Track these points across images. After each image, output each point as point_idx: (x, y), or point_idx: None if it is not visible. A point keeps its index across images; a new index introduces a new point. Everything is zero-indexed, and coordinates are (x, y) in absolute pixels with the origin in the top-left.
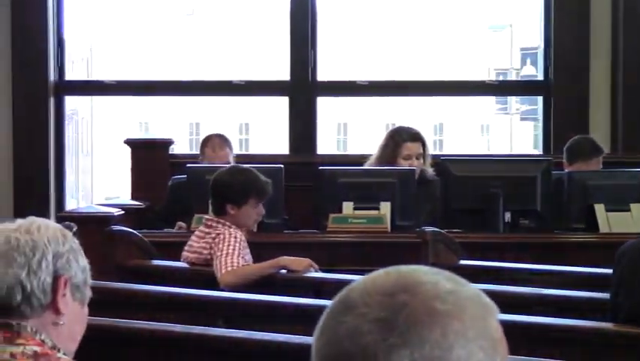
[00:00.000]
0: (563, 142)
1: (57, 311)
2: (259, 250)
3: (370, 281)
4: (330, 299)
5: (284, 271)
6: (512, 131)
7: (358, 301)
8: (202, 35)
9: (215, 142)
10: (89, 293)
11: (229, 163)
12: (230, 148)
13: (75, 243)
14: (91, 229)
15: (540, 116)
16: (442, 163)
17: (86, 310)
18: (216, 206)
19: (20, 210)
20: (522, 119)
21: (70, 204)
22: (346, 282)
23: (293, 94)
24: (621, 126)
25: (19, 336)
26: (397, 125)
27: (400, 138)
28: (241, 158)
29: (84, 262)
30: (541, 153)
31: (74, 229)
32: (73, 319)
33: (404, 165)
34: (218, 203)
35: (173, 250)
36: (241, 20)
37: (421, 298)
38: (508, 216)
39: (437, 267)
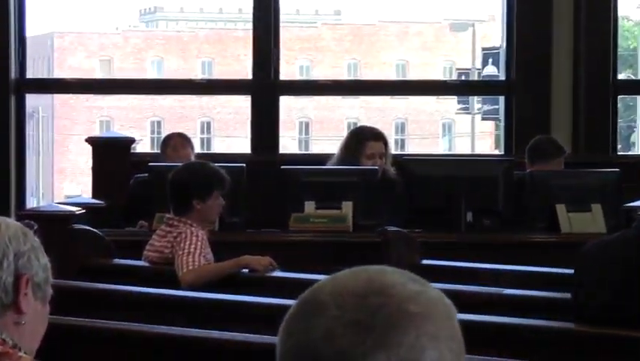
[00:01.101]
0: (525, 142)
1: (19, 311)
2: (221, 250)
3: (339, 282)
4: (292, 299)
5: (245, 270)
6: (474, 131)
7: (329, 302)
8: (165, 33)
9: (176, 141)
10: (50, 291)
11: None
12: (192, 147)
13: (36, 241)
14: (52, 227)
15: (502, 115)
16: (403, 163)
17: (47, 308)
18: (180, 204)
19: None
20: (484, 118)
21: (31, 203)
22: (309, 282)
23: (255, 93)
24: (583, 126)
25: None
26: (359, 124)
27: (363, 137)
28: (203, 157)
29: (45, 260)
30: (503, 152)
31: (35, 228)
32: (35, 318)
33: (367, 165)
34: (181, 201)
35: (135, 249)
36: (204, 19)
37: (395, 300)
38: (469, 216)
39: (399, 267)
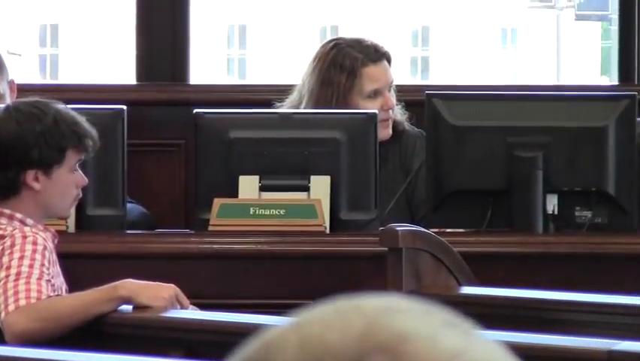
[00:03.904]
0: None
1: None
2: (80, 268)
3: (311, 332)
4: None
5: (127, 307)
6: (560, 41)
7: None
8: None
9: None
10: None
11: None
12: (2, 71)
13: None
14: None
15: (614, 12)
16: (427, 102)
17: None
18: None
19: None
20: (579, 17)
21: None
22: (250, 330)
23: None
24: None
25: None
26: (340, 34)
27: (357, 61)
28: (40, 91)
29: None
30: (616, 82)
31: None
32: None
33: (370, 109)
34: (3, 176)
35: None
36: None
37: None
38: (553, 203)
39: (420, 299)
